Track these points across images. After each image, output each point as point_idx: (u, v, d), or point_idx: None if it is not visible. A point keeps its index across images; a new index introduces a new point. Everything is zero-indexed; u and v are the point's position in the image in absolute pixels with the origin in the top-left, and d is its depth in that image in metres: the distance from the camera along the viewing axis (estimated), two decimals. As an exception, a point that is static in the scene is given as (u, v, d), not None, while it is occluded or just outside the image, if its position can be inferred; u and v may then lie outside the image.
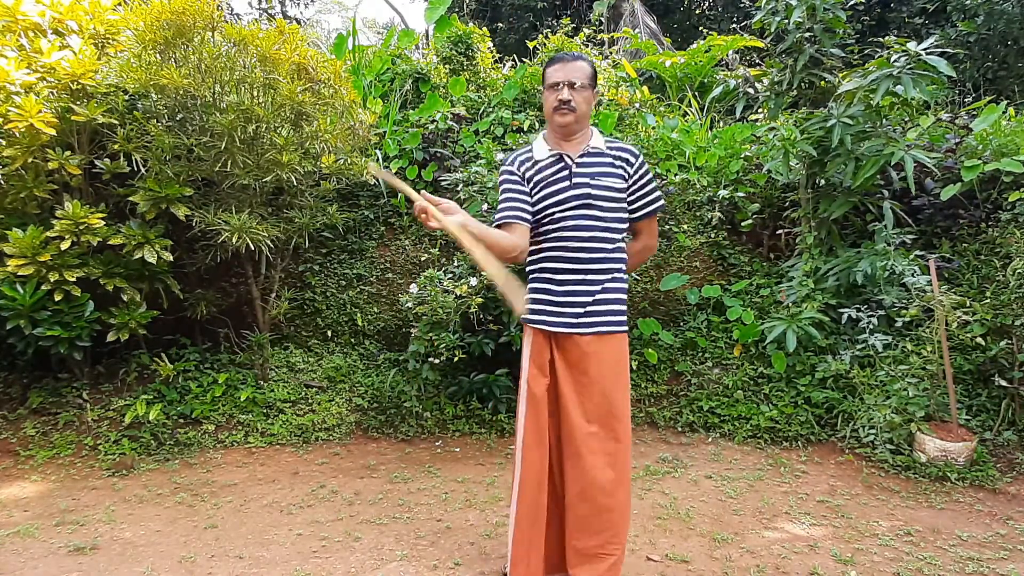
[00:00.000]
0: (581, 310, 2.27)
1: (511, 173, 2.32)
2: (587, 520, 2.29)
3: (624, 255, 2.35)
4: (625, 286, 2.36)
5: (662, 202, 2.41)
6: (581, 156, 2.30)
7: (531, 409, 2.30)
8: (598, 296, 2.28)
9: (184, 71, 3.63)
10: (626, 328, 2.35)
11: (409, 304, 4.02)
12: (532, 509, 2.31)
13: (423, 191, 1.93)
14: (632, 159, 2.33)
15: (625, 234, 2.38)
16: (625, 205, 2.35)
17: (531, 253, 2.35)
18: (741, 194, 5.09)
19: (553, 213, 2.25)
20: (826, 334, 4.19)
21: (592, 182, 2.28)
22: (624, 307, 2.34)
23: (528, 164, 2.32)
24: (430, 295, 3.90)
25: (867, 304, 4.16)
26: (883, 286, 4.12)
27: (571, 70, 2.25)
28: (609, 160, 2.31)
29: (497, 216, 2.27)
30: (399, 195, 5.08)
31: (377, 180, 4.87)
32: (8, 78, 3.44)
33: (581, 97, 2.24)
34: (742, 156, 5.30)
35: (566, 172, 2.28)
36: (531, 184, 2.29)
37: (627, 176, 2.33)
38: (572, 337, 2.28)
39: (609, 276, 2.31)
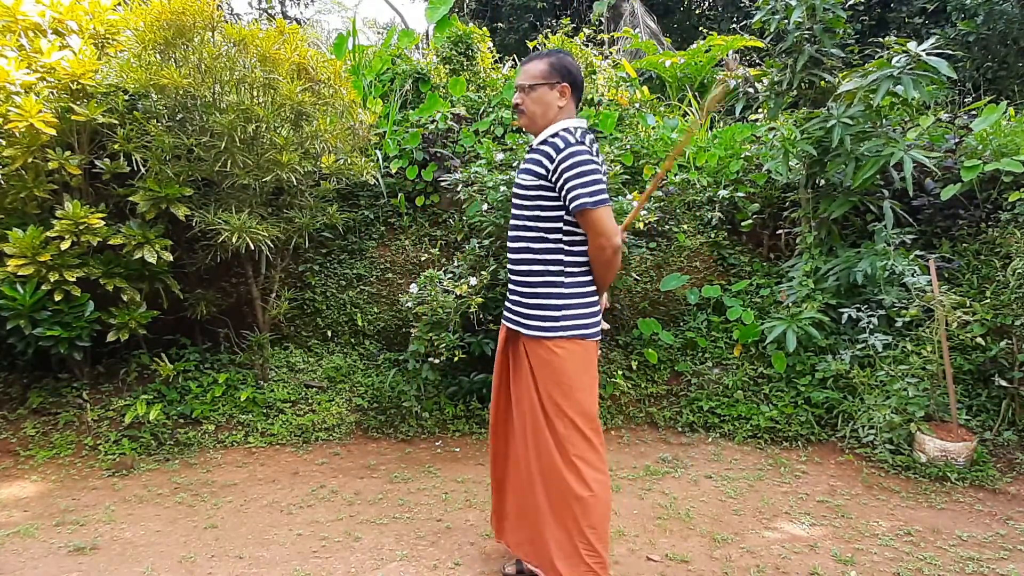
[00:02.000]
0: (514, 308, 2.37)
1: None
2: (518, 512, 2.48)
3: (576, 258, 2.26)
4: (564, 291, 2.24)
5: (580, 202, 2.12)
6: (527, 151, 2.37)
7: (492, 395, 2.58)
8: (532, 296, 2.29)
9: (184, 71, 3.63)
10: (558, 335, 2.23)
11: (409, 304, 4.02)
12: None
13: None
14: (554, 153, 2.16)
15: (563, 233, 2.24)
16: (547, 203, 2.21)
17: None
18: (741, 194, 5.09)
19: None
20: (826, 334, 4.19)
21: (516, 178, 2.34)
22: (559, 312, 2.24)
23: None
24: (430, 295, 3.90)
25: (867, 304, 4.16)
26: (883, 286, 4.12)
27: (523, 73, 2.30)
28: (535, 156, 2.24)
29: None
30: (399, 195, 5.08)
31: (377, 180, 4.87)
32: (8, 78, 3.44)
33: (531, 99, 2.26)
34: (742, 156, 5.30)
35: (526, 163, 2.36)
36: None
37: (547, 171, 2.18)
38: (516, 333, 2.39)
39: (541, 278, 2.26)
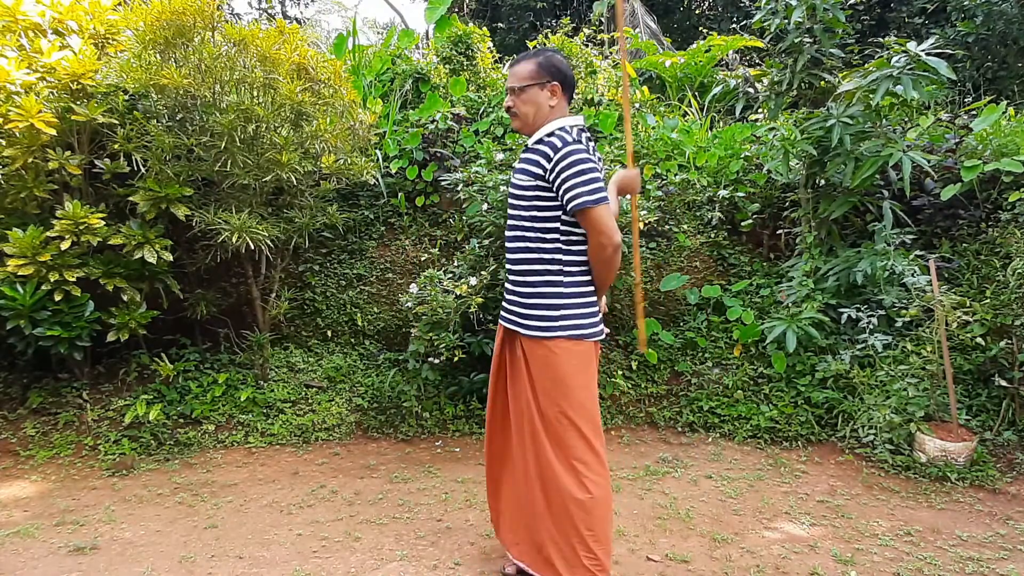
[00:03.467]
0: (512, 308, 2.36)
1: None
2: (516, 510, 2.49)
3: (575, 257, 2.26)
4: (563, 290, 2.24)
5: (579, 201, 2.11)
6: (522, 152, 2.35)
7: (488, 396, 2.59)
8: (530, 296, 2.28)
9: (184, 71, 3.63)
10: (557, 335, 2.23)
11: (409, 304, 4.02)
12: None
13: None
14: (551, 153, 2.14)
15: (561, 233, 2.24)
16: (545, 203, 2.21)
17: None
18: (741, 194, 5.09)
19: None
20: (826, 334, 4.19)
21: (512, 178, 2.35)
22: (557, 312, 2.23)
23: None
24: (430, 295, 3.90)
25: (867, 304, 4.16)
26: (883, 286, 4.12)
27: (512, 75, 2.30)
28: (532, 156, 2.23)
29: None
30: (399, 195, 5.08)
31: (377, 180, 4.87)
32: (8, 78, 3.44)
33: (521, 100, 2.27)
34: (742, 156, 5.30)
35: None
36: None
37: (544, 171, 2.17)
38: (514, 333, 2.38)
39: (539, 278, 2.26)
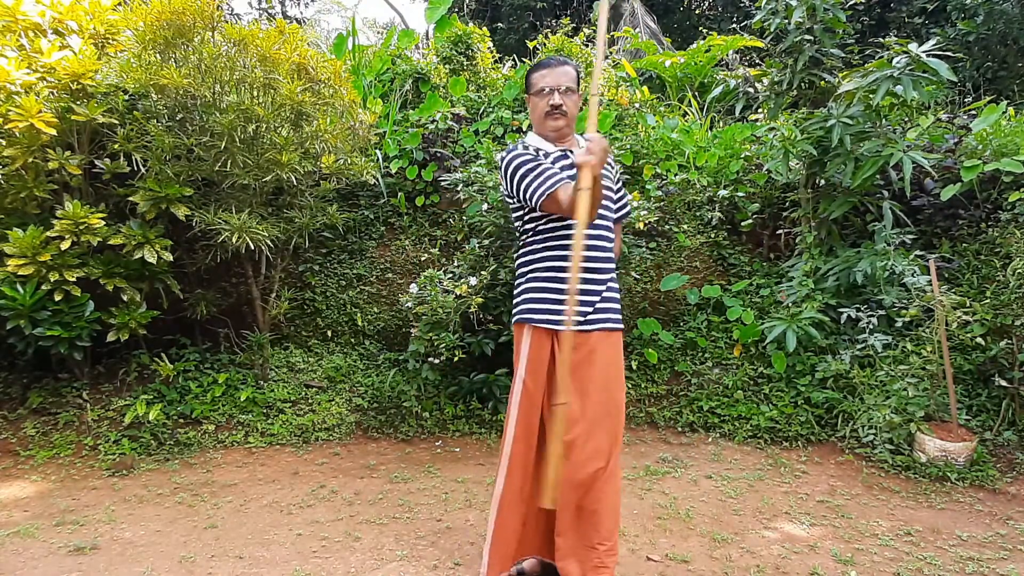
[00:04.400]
0: (590, 308, 2.29)
1: (527, 151, 2.29)
2: (574, 515, 2.28)
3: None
4: (618, 284, 2.44)
5: (630, 207, 2.53)
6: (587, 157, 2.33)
7: (524, 402, 2.31)
8: (604, 294, 2.33)
9: (184, 71, 3.63)
10: (622, 326, 2.40)
11: (409, 304, 4.02)
12: (516, 495, 2.32)
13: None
14: (614, 163, 2.44)
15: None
16: (615, 205, 2.48)
17: (531, 251, 2.35)
18: (741, 194, 5.09)
19: None
20: (826, 334, 4.19)
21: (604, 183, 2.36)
22: (620, 306, 2.41)
23: (540, 154, 2.31)
24: (430, 295, 3.90)
25: (867, 304, 4.16)
26: (883, 286, 4.12)
27: (559, 75, 2.30)
28: (608, 163, 2.41)
29: (549, 183, 2.17)
30: (399, 195, 5.08)
31: (377, 180, 4.86)
32: (8, 78, 3.44)
33: (571, 101, 2.31)
34: (742, 156, 5.30)
35: (575, 171, 2.24)
36: None
37: (613, 179, 2.43)
38: (579, 334, 2.27)
39: (610, 276, 2.38)
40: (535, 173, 2.22)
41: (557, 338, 2.28)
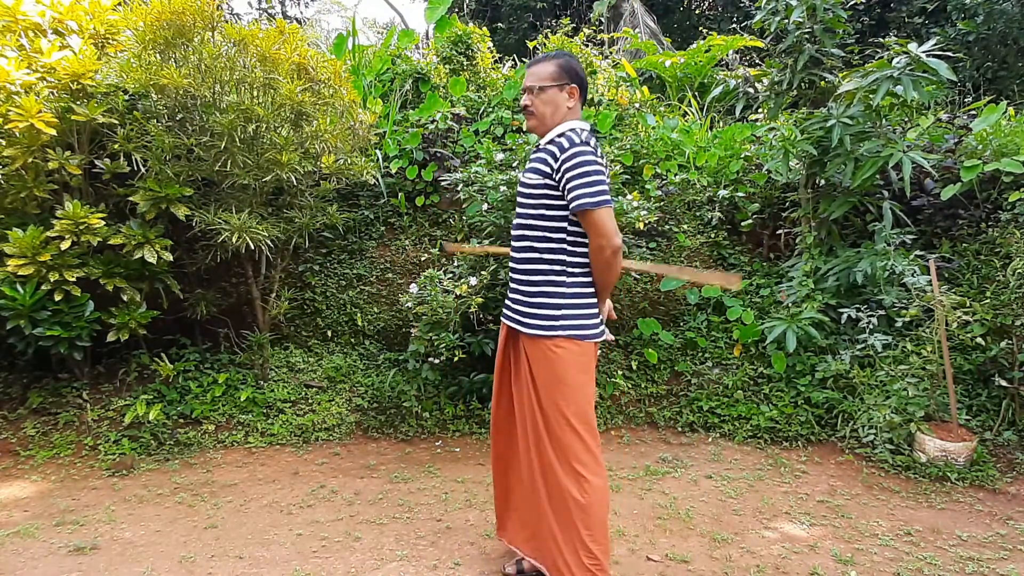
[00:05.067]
0: (515, 306, 2.36)
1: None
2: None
3: (579, 258, 2.27)
4: (565, 290, 2.25)
5: (581, 202, 2.13)
6: (533, 151, 2.37)
7: (493, 394, 2.56)
8: (533, 295, 2.29)
9: (184, 71, 3.63)
10: (557, 334, 2.23)
11: (409, 304, 4.02)
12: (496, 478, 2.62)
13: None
14: (558, 152, 2.17)
15: (567, 233, 2.25)
16: (552, 201, 2.23)
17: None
18: (741, 194, 5.09)
19: None
20: (826, 334, 4.19)
21: (521, 177, 2.35)
22: (559, 312, 2.24)
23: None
24: (430, 295, 3.90)
25: (867, 304, 4.16)
26: (883, 286, 4.12)
27: (531, 75, 2.30)
28: (540, 155, 2.27)
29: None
30: (399, 195, 5.08)
31: (377, 180, 4.86)
32: (8, 78, 3.44)
33: (540, 100, 2.28)
34: (742, 156, 5.30)
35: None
36: None
37: (552, 170, 2.19)
38: (516, 331, 2.38)
39: (543, 277, 2.27)
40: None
41: (508, 333, 2.48)
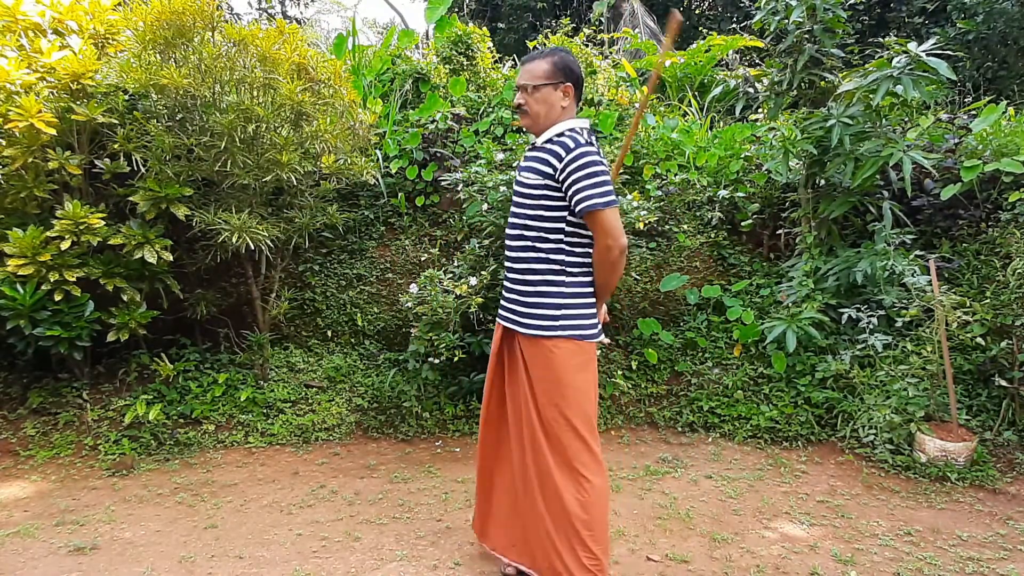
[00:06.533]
0: (511, 307, 2.36)
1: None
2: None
3: (577, 258, 2.26)
4: (564, 290, 2.24)
5: (590, 203, 2.11)
6: (528, 150, 2.34)
7: (483, 396, 2.55)
8: (531, 295, 2.28)
9: (184, 71, 3.63)
10: (556, 334, 2.23)
11: (409, 304, 4.02)
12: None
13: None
14: (563, 153, 2.14)
15: (565, 234, 2.24)
16: (552, 202, 2.21)
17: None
18: (741, 194, 5.09)
19: None
20: (826, 334, 4.19)
21: (517, 176, 2.33)
22: (558, 312, 2.24)
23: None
24: (430, 295, 3.90)
25: (867, 304, 4.16)
26: (883, 286, 4.12)
27: (525, 73, 2.28)
28: (541, 155, 2.23)
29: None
30: (399, 195, 5.08)
31: (377, 180, 4.86)
32: (8, 78, 3.44)
33: (534, 99, 2.25)
34: (742, 156, 5.30)
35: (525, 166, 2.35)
36: None
37: (555, 171, 2.16)
38: (512, 332, 2.37)
39: (540, 277, 2.26)
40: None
41: (504, 333, 2.46)
